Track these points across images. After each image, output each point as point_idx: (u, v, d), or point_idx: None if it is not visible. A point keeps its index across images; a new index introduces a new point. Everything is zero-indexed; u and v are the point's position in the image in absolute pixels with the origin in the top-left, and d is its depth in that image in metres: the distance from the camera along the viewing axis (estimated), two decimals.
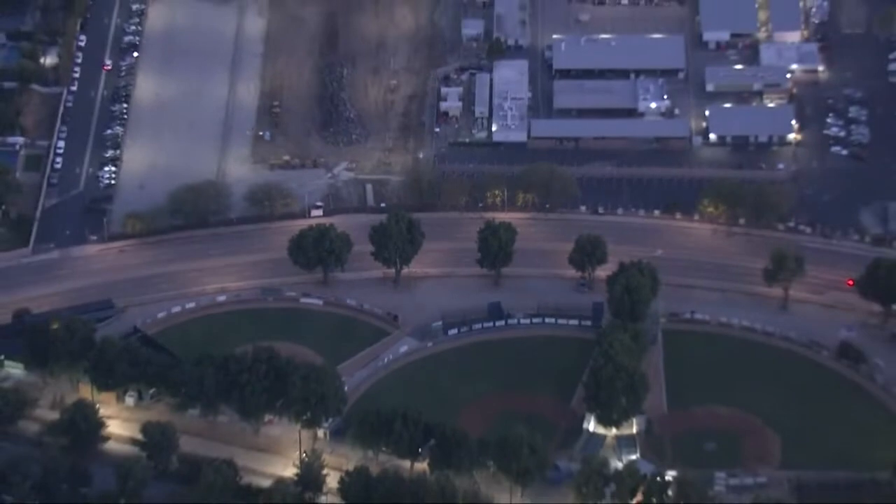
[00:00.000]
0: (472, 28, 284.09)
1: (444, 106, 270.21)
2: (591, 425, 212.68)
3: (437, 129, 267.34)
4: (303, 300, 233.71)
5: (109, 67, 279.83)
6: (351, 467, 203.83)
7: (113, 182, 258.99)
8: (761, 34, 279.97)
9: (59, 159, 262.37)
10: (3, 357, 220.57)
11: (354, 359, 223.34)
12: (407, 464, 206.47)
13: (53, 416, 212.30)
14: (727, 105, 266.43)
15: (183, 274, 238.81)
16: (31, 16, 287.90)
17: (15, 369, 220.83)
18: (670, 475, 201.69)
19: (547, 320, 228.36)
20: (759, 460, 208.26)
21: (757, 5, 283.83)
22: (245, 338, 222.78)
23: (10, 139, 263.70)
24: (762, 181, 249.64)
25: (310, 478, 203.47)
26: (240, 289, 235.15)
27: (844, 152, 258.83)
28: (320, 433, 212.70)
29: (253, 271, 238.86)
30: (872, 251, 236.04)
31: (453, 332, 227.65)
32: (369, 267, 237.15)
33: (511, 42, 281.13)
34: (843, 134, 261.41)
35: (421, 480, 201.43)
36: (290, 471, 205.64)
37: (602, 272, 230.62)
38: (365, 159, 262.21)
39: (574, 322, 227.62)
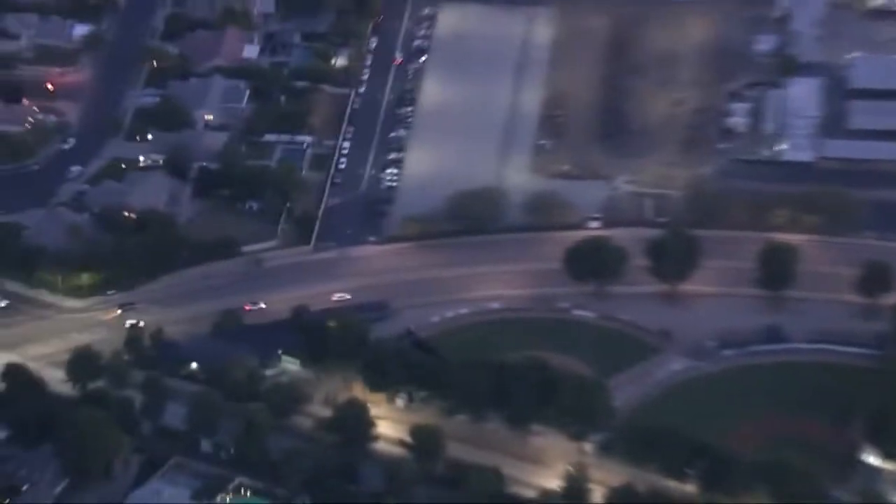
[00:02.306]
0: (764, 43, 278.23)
1: (730, 122, 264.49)
2: None
3: (722, 146, 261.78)
4: (573, 312, 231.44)
5: (400, 61, 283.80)
6: None
7: (394, 184, 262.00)
8: None
9: (343, 159, 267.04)
10: (280, 352, 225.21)
11: None
12: None
13: (325, 412, 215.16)
14: None
15: (457, 279, 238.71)
16: (326, 18, 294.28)
17: (291, 364, 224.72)
18: None
19: None
20: None
21: None
22: (516, 346, 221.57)
23: (299, 137, 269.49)
24: None
25: None
26: (514, 297, 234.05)
27: None
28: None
29: (525, 280, 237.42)
30: None
31: None
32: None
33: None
34: None
35: None
36: (554, 483, 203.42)
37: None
38: (646, 172, 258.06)
39: None
